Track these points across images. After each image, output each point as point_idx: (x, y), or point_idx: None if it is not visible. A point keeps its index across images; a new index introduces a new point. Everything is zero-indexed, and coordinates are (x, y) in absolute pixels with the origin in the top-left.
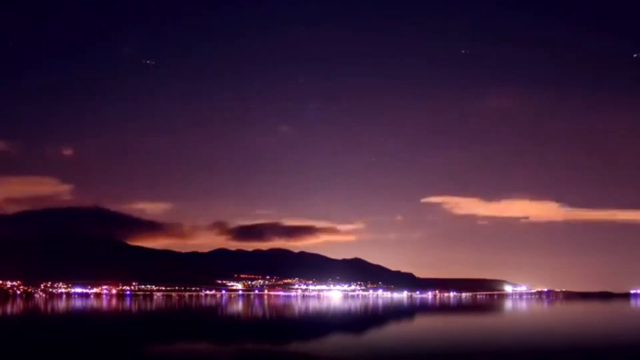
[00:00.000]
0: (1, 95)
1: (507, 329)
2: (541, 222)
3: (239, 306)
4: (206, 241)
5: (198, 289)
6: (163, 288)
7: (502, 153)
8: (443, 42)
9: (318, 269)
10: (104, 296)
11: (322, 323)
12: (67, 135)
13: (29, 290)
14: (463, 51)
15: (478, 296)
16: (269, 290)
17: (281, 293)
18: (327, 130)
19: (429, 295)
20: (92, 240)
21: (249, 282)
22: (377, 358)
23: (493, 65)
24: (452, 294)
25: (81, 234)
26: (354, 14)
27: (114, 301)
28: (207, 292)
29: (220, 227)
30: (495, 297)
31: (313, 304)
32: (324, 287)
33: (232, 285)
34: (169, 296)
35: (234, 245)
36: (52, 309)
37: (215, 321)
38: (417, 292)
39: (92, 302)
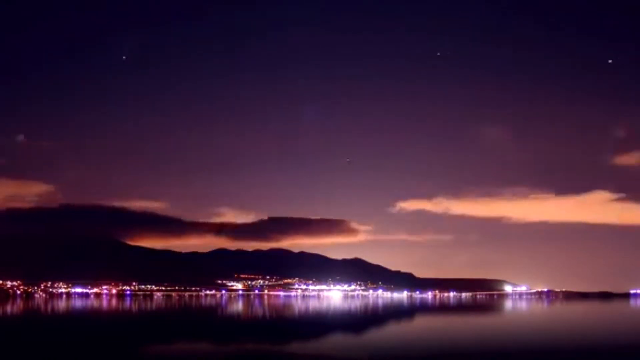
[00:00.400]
0: (1, 95)
1: (507, 329)
2: (541, 221)
3: (239, 306)
4: (206, 241)
5: (198, 289)
6: (163, 288)
7: (502, 153)
8: (447, 43)
9: (318, 269)
10: (104, 296)
11: (322, 323)
12: (67, 135)
13: (29, 290)
14: (439, 54)
15: (478, 296)
16: (269, 290)
17: (281, 293)
18: (328, 130)
19: (428, 295)
20: (92, 240)
21: (249, 282)
22: (377, 358)
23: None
24: (452, 294)
25: (81, 234)
26: (354, 14)
27: (114, 301)
28: (207, 292)
29: (220, 227)
30: (495, 297)
31: (313, 304)
32: (324, 287)
33: (232, 286)
34: (169, 296)
35: (234, 245)
36: (52, 309)
37: (215, 321)
38: (417, 292)
39: (92, 302)
